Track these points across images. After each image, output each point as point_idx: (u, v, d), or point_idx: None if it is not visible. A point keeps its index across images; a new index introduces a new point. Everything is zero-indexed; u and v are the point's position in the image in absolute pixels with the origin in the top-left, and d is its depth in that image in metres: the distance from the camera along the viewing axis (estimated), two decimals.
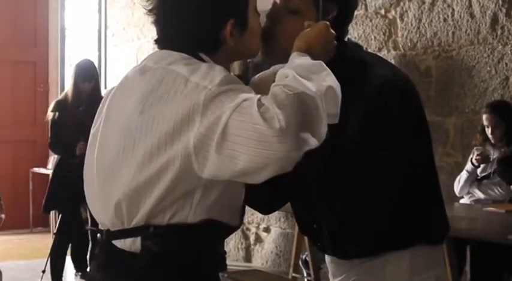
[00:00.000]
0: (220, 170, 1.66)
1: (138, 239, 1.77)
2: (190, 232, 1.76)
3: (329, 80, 1.71)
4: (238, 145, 1.61)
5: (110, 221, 1.82)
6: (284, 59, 1.89)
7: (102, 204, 1.84)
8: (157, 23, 1.91)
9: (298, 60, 1.78)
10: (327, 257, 2.24)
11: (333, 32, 1.92)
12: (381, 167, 1.92)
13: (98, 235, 1.92)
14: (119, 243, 1.81)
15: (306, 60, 1.78)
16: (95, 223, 1.97)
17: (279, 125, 1.58)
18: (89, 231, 6.06)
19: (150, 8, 1.91)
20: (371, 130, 1.92)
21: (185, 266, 1.80)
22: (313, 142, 1.65)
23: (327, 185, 1.98)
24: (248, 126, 1.60)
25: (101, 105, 1.95)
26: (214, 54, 1.85)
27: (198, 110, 1.65)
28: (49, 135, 6.06)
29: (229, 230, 1.88)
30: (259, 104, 1.62)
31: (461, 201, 5.23)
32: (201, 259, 1.83)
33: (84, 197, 5.69)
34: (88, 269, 2.00)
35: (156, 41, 1.92)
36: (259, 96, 1.65)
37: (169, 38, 1.88)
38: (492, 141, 5.13)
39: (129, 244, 1.79)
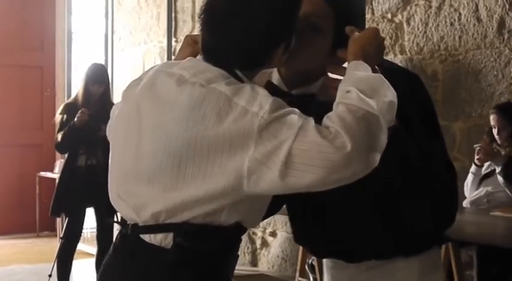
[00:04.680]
0: (281, 191, 1.70)
1: (170, 235, 1.78)
2: (221, 233, 1.79)
3: (389, 94, 1.72)
4: (305, 173, 1.63)
5: (140, 218, 1.82)
6: (295, 71, 1.92)
7: (131, 204, 1.84)
8: (208, 28, 1.85)
9: (359, 72, 1.77)
10: (327, 263, 2.22)
11: (383, 35, 1.91)
12: (412, 168, 1.90)
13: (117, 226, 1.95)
14: (147, 237, 1.82)
15: (366, 72, 1.77)
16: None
17: (348, 149, 1.60)
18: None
19: (203, 11, 1.86)
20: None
21: (211, 265, 1.82)
22: (378, 158, 1.67)
23: (349, 191, 1.95)
24: (316, 154, 1.62)
25: (122, 103, 1.99)
26: (250, 72, 1.85)
27: (252, 136, 1.66)
28: (56, 136, 6.04)
29: (244, 231, 1.90)
30: (324, 130, 1.63)
31: (470, 198, 5.21)
32: (225, 259, 1.86)
33: (90, 200, 5.67)
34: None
35: (201, 47, 1.88)
36: (311, 118, 1.67)
37: (214, 46, 1.84)
38: (498, 142, 5.14)
39: (159, 239, 1.80)
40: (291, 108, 1.72)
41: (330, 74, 1.93)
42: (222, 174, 1.69)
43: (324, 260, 2.26)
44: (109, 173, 1.96)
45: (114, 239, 1.97)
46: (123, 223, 1.91)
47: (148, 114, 1.83)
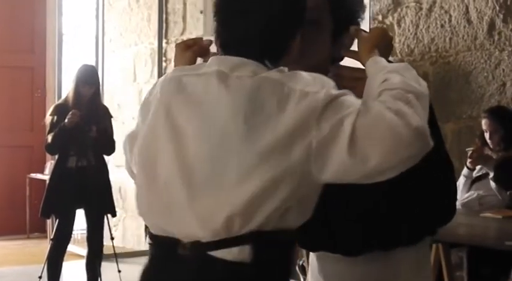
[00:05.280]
0: (348, 174, 1.66)
1: (247, 247, 1.68)
2: (288, 239, 1.74)
3: (421, 79, 1.75)
4: (374, 147, 1.61)
5: (209, 232, 1.69)
6: (304, 68, 1.88)
7: (194, 216, 1.70)
8: (225, 24, 1.83)
9: (385, 64, 1.80)
10: (320, 257, 2.19)
11: (391, 34, 1.94)
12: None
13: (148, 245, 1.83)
14: (219, 253, 1.68)
15: (391, 63, 1.81)
16: None
17: (415, 125, 1.60)
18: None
19: (217, 8, 1.84)
20: None
21: (284, 273, 1.78)
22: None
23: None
24: (381, 126, 1.61)
25: (142, 115, 1.88)
26: (276, 64, 1.80)
27: (314, 115, 1.63)
28: (46, 137, 5.99)
29: None
30: (388, 107, 1.62)
31: (462, 200, 5.21)
32: (290, 265, 1.82)
33: (81, 202, 5.59)
34: None
35: (221, 45, 1.84)
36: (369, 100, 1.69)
37: (238, 40, 1.80)
38: (490, 146, 5.14)
39: (235, 253, 1.68)
40: (345, 90, 1.72)
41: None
42: (288, 161, 1.64)
43: (314, 256, 2.23)
44: (140, 194, 1.84)
45: (152, 253, 1.83)
46: (166, 241, 1.76)
47: (187, 118, 1.74)
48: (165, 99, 1.80)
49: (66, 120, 5.72)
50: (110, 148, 6.14)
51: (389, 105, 1.63)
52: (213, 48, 2.00)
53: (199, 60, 2.05)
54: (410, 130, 1.60)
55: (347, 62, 2.04)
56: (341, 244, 2.08)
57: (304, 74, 1.72)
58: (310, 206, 1.75)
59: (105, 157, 6.21)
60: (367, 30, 1.98)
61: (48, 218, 6.84)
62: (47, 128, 6.00)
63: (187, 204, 1.71)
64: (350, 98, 1.68)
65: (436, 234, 2.16)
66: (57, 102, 6.77)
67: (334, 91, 1.68)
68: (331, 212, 2.03)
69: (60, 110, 5.92)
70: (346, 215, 2.02)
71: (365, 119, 1.62)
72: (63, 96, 6.46)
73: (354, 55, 1.95)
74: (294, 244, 1.79)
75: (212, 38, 1.99)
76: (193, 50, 2.04)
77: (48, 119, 6.00)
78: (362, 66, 1.92)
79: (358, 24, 2.07)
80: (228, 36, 1.82)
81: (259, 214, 1.66)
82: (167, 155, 1.75)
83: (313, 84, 1.68)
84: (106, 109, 6.26)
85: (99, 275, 6.11)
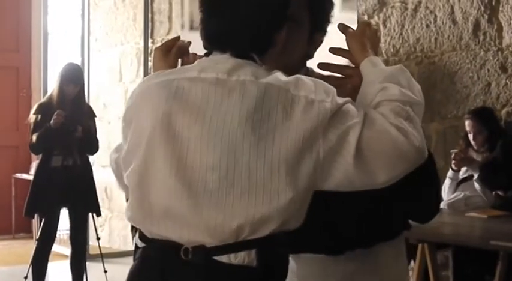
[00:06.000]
0: (351, 184, 1.70)
1: (253, 251, 1.67)
2: (287, 240, 1.74)
3: (415, 81, 1.81)
4: (377, 161, 1.66)
5: (217, 239, 1.67)
6: (282, 65, 1.87)
7: (201, 225, 1.67)
8: (211, 14, 1.81)
9: (382, 66, 1.84)
10: (299, 260, 2.18)
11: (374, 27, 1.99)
12: None
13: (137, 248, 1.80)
14: (225, 258, 1.67)
15: (386, 66, 1.84)
16: None
17: (417, 142, 1.68)
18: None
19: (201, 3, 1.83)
20: None
21: (285, 272, 1.79)
22: None
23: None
24: (387, 142, 1.66)
25: (126, 123, 1.84)
26: (262, 56, 1.80)
27: (322, 126, 1.65)
28: (30, 137, 5.92)
29: None
30: (390, 122, 1.68)
31: (448, 200, 5.23)
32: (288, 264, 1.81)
33: (66, 201, 5.53)
34: None
35: (206, 36, 1.82)
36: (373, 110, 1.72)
37: (225, 31, 1.77)
38: (474, 147, 5.16)
39: (242, 258, 1.67)
40: (347, 98, 1.74)
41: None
42: (298, 173, 1.65)
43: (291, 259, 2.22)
44: (133, 205, 1.79)
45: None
46: (167, 245, 1.73)
47: (187, 126, 1.70)
48: (158, 104, 1.75)
49: (51, 121, 5.68)
50: (94, 148, 6.12)
51: (391, 121, 1.68)
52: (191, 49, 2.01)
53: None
54: (412, 148, 1.67)
55: (329, 59, 2.05)
56: (321, 243, 2.07)
57: (306, 80, 1.72)
58: (304, 210, 1.75)
59: (90, 156, 6.19)
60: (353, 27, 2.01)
61: (32, 217, 6.80)
62: (31, 127, 5.93)
63: (193, 213, 1.68)
64: (353, 108, 1.70)
65: (410, 229, 2.18)
66: (41, 101, 6.72)
67: (339, 100, 1.70)
68: (333, 212, 2.02)
69: (44, 109, 5.86)
70: (349, 214, 2.01)
71: (370, 132, 1.66)
72: None
73: (344, 53, 1.96)
74: (289, 245, 1.78)
75: (191, 40, 1.99)
76: (174, 52, 2.02)
77: (32, 118, 5.92)
78: (347, 63, 1.95)
79: (330, 22, 2.09)
80: (215, 27, 1.80)
81: (269, 225, 1.66)
82: (164, 163, 1.71)
83: (317, 91, 1.69)
84: (90, 109, 6.23)
85: (85, 274, 6.09)
